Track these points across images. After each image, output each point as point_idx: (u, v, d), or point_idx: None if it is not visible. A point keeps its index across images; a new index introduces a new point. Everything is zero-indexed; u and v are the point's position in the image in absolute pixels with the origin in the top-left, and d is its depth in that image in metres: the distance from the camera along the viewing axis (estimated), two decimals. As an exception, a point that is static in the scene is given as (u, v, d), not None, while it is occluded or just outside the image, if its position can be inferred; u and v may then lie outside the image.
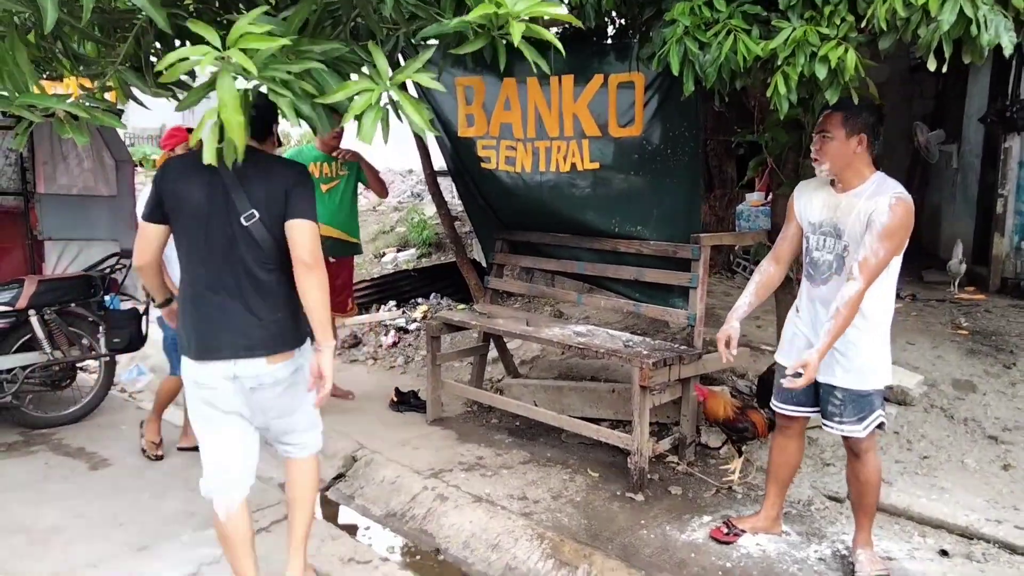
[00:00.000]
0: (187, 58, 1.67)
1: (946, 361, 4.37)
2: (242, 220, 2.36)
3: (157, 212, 2.45)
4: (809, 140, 3.57)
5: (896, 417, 3.82)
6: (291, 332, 2.51)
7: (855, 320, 2.60)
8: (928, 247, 8.26)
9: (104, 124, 2.05)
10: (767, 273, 2.95)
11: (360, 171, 4.78)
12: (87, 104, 2.03)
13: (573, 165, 4.07)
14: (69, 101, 1.98)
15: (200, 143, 1.83)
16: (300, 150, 4.76)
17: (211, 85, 1.73)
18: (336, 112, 2.11)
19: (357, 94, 1.94)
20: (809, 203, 2.80)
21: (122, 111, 5.26)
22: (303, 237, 2.37)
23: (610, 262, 4.19)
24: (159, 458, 4.10)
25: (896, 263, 2.64)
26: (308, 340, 2.55)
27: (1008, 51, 2.08)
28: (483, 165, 4.39)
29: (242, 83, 1.94)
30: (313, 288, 2.37)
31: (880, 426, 2.74)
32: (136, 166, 14.50)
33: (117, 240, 5.12)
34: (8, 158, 4.97)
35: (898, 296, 6.04)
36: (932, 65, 2.24)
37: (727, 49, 2.37)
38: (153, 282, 2.71)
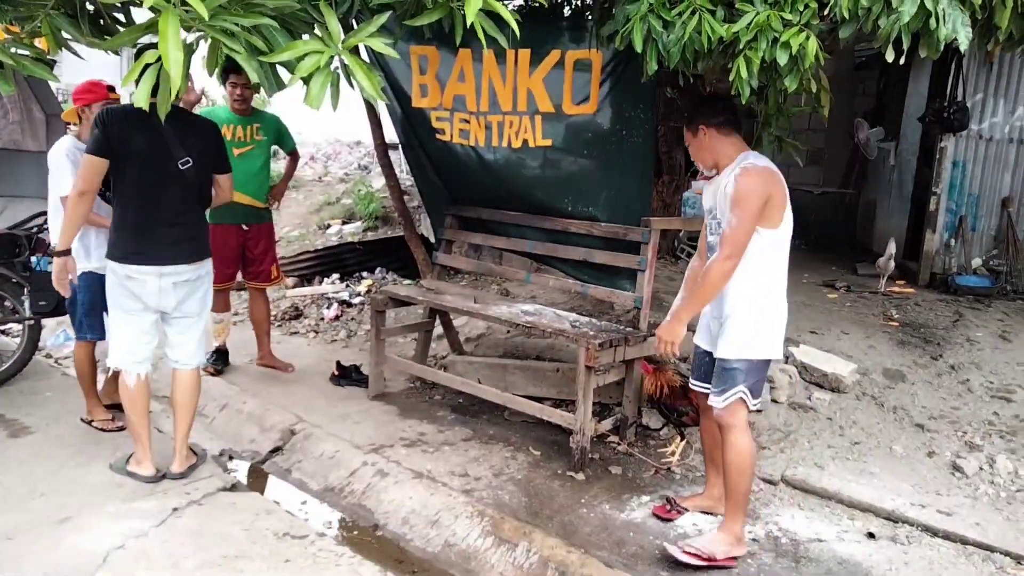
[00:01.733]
0: (128, -3, 1.56)
1: (878, 351, 4.52)
2: (178, 164, 3.17)
3: (104, 148, 3.06)
4: (761, 129, 3.65)
5: (829, 403, 3.94)
6: (204, 246, 3.38)
7: (729, 290, 2.73)
8: (863, 241, 8.53)
9: (33, 74, 1.92)
10: (693, 268, 3.08)
11: (283, 133, 4.67)
12: (13, 51, 1.88)
13: (525, 141, 4.03)
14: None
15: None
16: (212, 110, 4.63)
17: (148, 27, 1.62)
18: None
19: (306, 55, 1.85)
20: (706, 194, 2.94)
21: (55, 62, 5.00)
22: (227, 184, 3.50)
23: (560, 242, 4.17)
24: (121, 428, 3.83)
25: (773, 239, 2.70)
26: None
27: (963, 46, 2.13)
28: (438, 137, 4.30)
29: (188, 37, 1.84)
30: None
31: (742, 402, 2.75)
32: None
33: (46, 198, 4.84)
34: (-75, 106, 4.65)
35: (832, 287, 6.23)
36: (890, 56, 2.28)
37: (691, 29, 2.36)
38: (83, 211, 3.17)
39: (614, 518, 3.11)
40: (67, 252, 3.28)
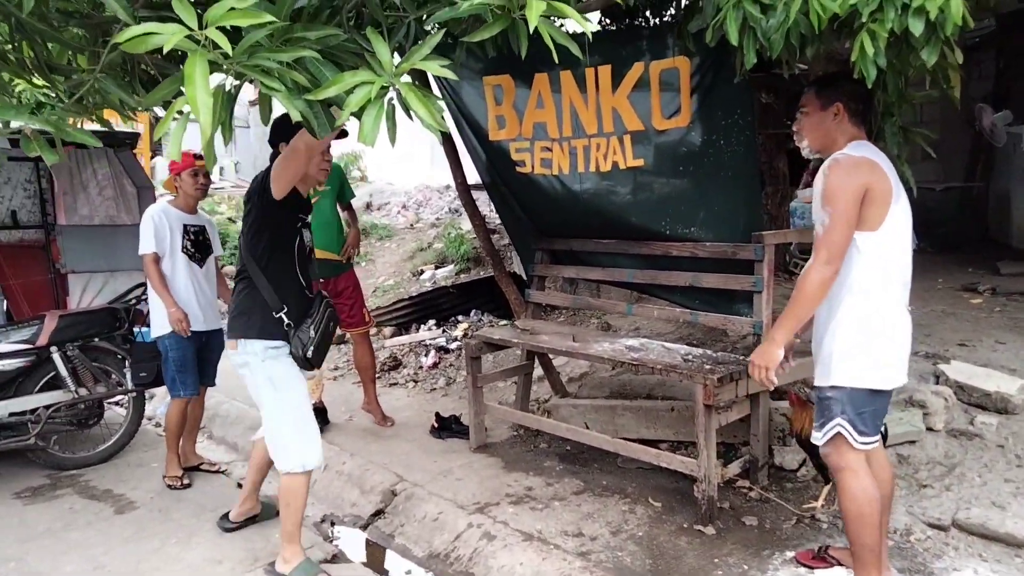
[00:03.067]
0: (153, 34, 1.37)
1: (1046, 361, 3.89)
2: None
3: None
4: (882, 120, 3.20)
5: (998, 428, 3.37)
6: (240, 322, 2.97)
7: (822, 307, 2.40)
8: (998, 237, 7.70)
9: (75, 139, 1.78)
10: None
11: (344, 184, 4.58)
12: (54, 118, 1.75)
13: (615, 164, 3.72)
14: (31, 115, 1.72)
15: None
16: None
17: (183, 79, 1.44)
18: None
19: (355, 87, 1.63)
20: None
21: (136, 134, 5.12)
22: None
23: (662, 267, 3.81)
24: (187, 486, 4.02)
25: (872, 244, 2.29)
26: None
27: None
28: (518, 169, 4.07)
29: (225, 81, 1.66)
30: None
31: (843, 438, 2.33)
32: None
33: (142, 270, 4.92)
34: (27, 190, 4.83)
35: (974, 290, 5.55)
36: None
37: (796, 9, 2.01)
38: None
39: (755, 580, 2.69)
40: None
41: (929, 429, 3.38)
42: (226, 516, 3.51)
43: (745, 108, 3.44)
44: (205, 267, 4.04)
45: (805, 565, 2.74)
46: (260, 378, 2.88)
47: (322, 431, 4.44)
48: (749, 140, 3.50)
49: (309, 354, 2.87)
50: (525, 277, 5.05)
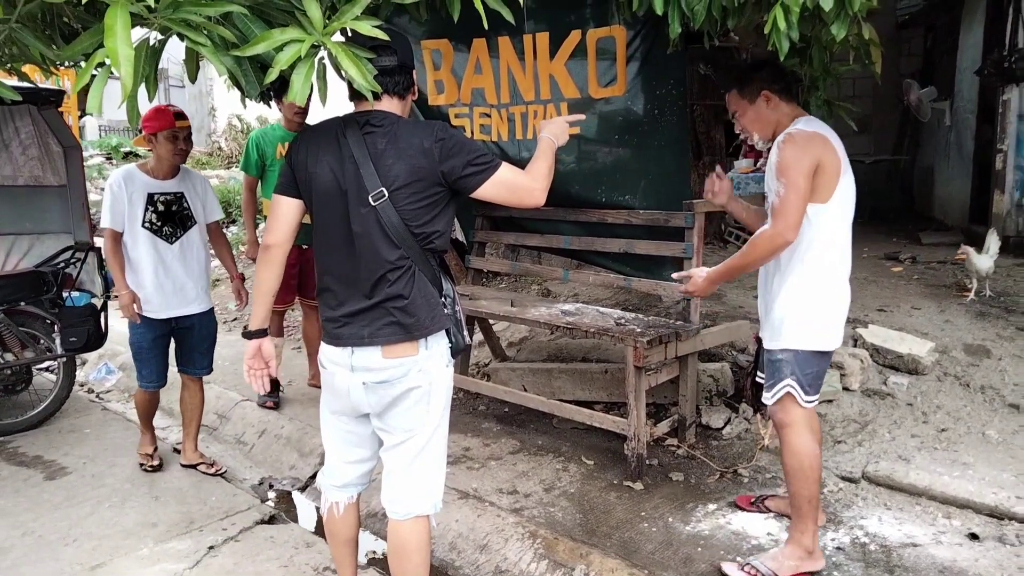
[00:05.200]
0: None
1: (955, 325, 4.13)
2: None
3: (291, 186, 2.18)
4: (807, 94, 3.32)
5: (908, 388, 3.58)
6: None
7: (773, 274, 2.51)
8: (922, 209, 8.04)
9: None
10: None
11: None
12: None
13: (553, 131, 3.76)
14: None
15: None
16: (265, 131, 4.36)
17: (104, 31, 1.42)
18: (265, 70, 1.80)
19: (284, 45, 1.63)
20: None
21: (61, 91, 4.93)
22: None
23: (598, 235, 3.90)
24: (156, 468, 3.72)
25: (822, 215, 2.38)
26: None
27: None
28: (457, 135, 4.07)
29: (149, 35, 1.64)
30: None
31: (791, 397, 2.44)
32: (109, 158, 14.02)
33: (71, 232, 4.78)
34: (-56, 149, 4.61)
35: (896, 259, 5.82)
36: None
37: (718, -18, 2.08)
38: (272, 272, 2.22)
39: (679, 531, 2.83)
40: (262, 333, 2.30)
41: (846, 389, 3.57)
42: None
43: (678, 79, 3.52)
44: (180, 242, 3.48)
45: (741, 507, 2.94)
46: (439, 391, 2.17)
47: (276, 405, 4.41)
48: (682, 110, 3.59)
49: (467, 339, 2.32)
50: (465, 243, 5.09)
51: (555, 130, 2.35)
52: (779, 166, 2.36)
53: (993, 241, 4.52)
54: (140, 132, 3.53)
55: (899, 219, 7.62)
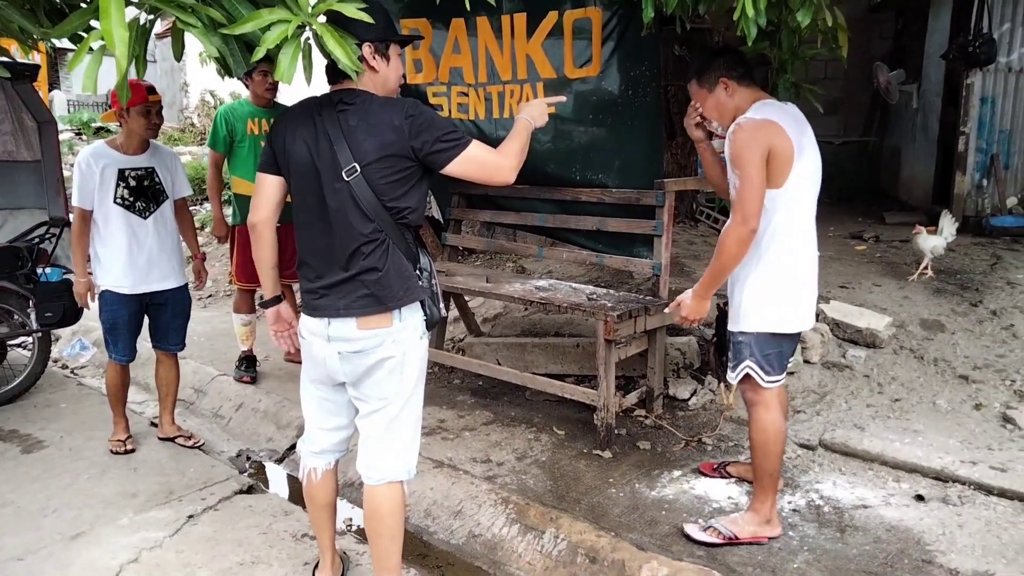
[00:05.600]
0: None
1: (913, 302, 4.30)
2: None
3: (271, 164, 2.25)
4: (776, 76, 3.43)
5: (865, 360, 3.74)
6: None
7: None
8: (888, 189, 8.23)
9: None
10: None
11: None
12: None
13: (528, 110, 3.84)
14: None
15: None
16: (233, 107, 4.35)
17: (94, 11, 1.47)
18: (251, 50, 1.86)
19: (271, 25, 1.69)
20: None
21: (37, 66, 4.88)
22: None
23: (571, 212, 3.99)
24: (130, 451, 3.69)
25: (778, 200, 2.42)
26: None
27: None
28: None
29: (140, 14, 1.69)
30: None
31: (751, 378, 2.54)
32: (80, 133, 13.79)
33: (45, 208, 4.77)
34: (-86, 121, 4.57)
35: (860, 238, 5.99)
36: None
37: (687, -32, 2.16)
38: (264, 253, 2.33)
39: (645, 496, 2.97)
40: (274, 301, 2.44)
41: (806, 362, 3.72)
42: None
43: (652, 61, 3.60)
44: (153, 217, 3.48)
45: (704, 474, 3.08)
46: (413, 361, 2.25)
47: (253, 380, 4.45)
48: (655, 91, 3.68)
49: (443, 311, 2.41)
50: (442, 220, 5.15)
51: (533, 112, 2.38)
52: (731, 157, 2.41)
53: (947, 223, 4.68)
54: (108, 107, 3.50)
55: (866, 199, 7.80)
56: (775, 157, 2.38)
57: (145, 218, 3.48)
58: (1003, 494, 2.79)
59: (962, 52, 6.01)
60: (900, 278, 4.72)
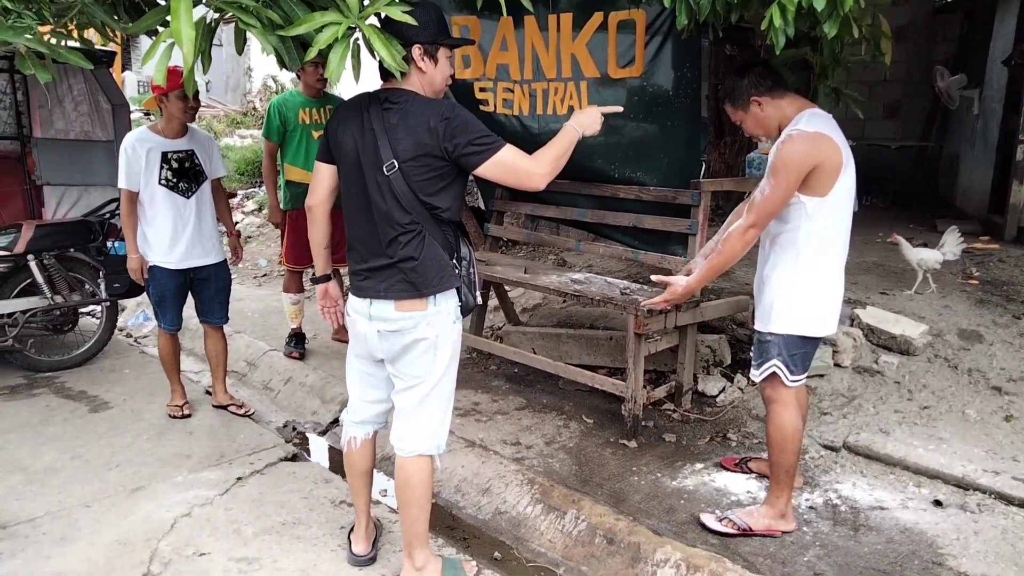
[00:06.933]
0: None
1: (953, 311, 4.28)
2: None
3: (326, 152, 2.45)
4: (817, 81, 3.47)
5: (898, 367, 3.76)
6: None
7: (768, 259, 2.63)
8: (946, 196, 8.06)
9: (69, 62, 1.98)
10: (728, 225, 2.95)
11: None
12: (53, 42, 1.95)
13: (571, 108, 3.95)
14: (28, 36, 1.91)
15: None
16: (285, 97, 4.56)
17: (167, 9, 1.65)
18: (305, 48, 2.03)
19: (324, 27, 1.85)
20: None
21: (113, 53, 5.18)
22: None
23: (610, 208, 4.09)
24: (187, 416, 3.95)
25: (820, 209, 2.47)
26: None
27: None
28: (481, 108, 4.27)
29: (207, 14, 1.87)
30: None
31: (777, 376, 2.60)
32: (148, 114, 14.34)
33: (115, 185, 5.07)
34: (2, 102, 4.92)
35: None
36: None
37: (721, -22, 2.25)
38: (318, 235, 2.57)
39: (665, 486, 3.07)
40: (324, 279, 2.67)
41: (837, 365, 3.76)
42: (353, 552, 2.75)
43: (693, 63, 3.67)
44: (195, 197, 3.71)
45: (726, 468, 3.17)
46: (446, 344, 2.39)
47: (301, 356, 4.70)
48: (695, 93, 3.74)
49: (478, 299, 2.53)
50: (485, 211, 5.30)
51: (584, 120, 2.42)
52: (774, 166, 2.45)
53: (951, 239, 4.52)
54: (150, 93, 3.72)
55: (921, 206, 7.66)
56: (824, 169, 2.43)
57: (188, 198, 3.71)
58: (1023, 505, 2.81)
59: (1024, 58, 5.88)
60: (944, 287, 4.68)
